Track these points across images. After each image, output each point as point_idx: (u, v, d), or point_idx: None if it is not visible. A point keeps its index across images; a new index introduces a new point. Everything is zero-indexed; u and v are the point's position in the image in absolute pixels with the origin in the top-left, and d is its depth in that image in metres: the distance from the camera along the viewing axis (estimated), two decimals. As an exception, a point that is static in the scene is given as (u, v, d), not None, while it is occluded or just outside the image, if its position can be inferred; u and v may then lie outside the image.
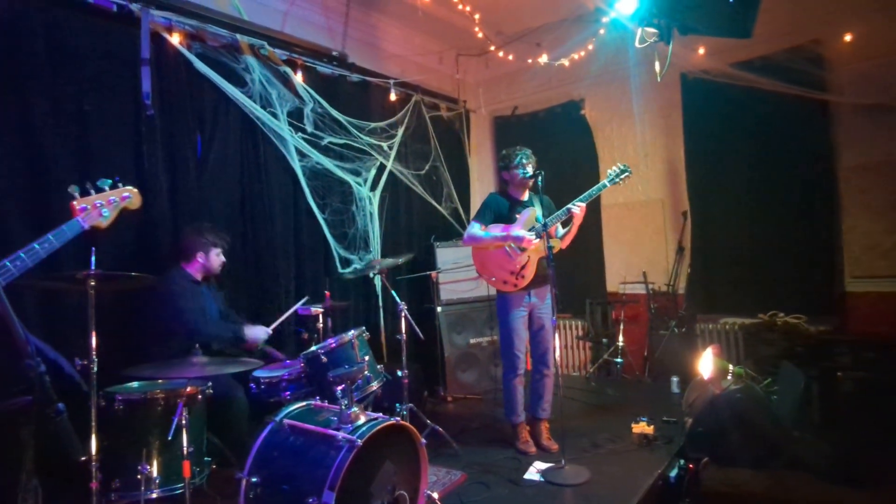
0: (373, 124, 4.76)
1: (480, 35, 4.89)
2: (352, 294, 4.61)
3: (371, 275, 4.60)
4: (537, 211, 3.43)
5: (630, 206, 5.45)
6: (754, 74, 4.38)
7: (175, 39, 3.41)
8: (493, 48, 5.30)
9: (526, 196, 3.58)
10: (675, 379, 4.58)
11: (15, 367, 0.93)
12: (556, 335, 3.34)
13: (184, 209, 3.44)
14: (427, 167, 5.39)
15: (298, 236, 4.23)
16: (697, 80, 4.83)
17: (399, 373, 3.36)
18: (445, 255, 4.99)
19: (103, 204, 1.62)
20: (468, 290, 4.98)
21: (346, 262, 4.50)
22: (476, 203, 6.13)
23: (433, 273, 4.62)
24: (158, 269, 3.04)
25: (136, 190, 1.81)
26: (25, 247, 1.23)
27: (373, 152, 4.74)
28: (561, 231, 3.49)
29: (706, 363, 3.72)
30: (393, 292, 3.48)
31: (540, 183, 3.29)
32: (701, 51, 4.50)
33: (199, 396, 2.53)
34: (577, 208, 3.34)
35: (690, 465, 3.12)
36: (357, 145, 4.59)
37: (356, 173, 4.61)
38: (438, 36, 5.47)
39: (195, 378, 2.43)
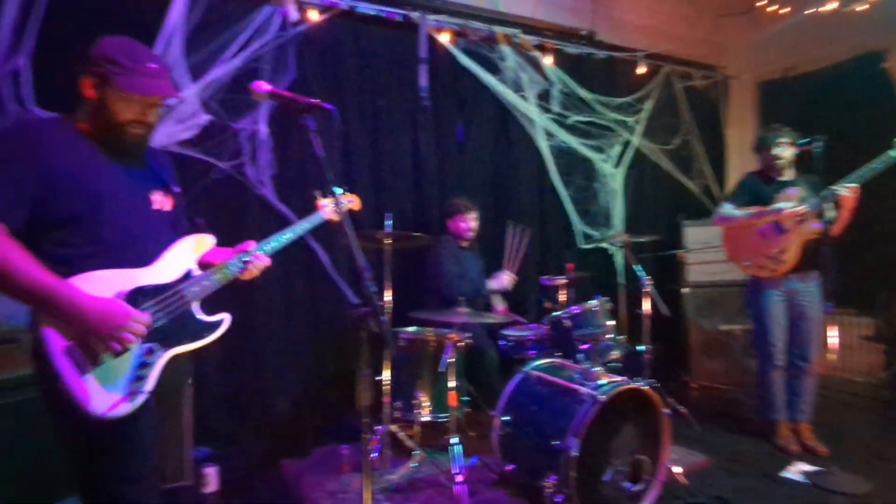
0: (619, 100, 4.70)
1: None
2: (591, 269, 4.66)
3: (610, 251, 4.61)
4: (803, 191, 3.00)
5: (953, 177, 4.29)
6: None
7: (444, 38, 3.91)
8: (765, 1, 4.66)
9: (789, 175, 3.17)
10: None
11: (359, 287, 1.32)
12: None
13: (448, 186, 4.00)
14: (677, 141, 5.10)
15: (542, 211, 4.49)
16: None
17: (642, 348, 3.34)
18: (695, 234, 4.68)
19: (335, 205, 2.04)
20: (720, 273, 4.58)
21: (586, 238, 4.59)
22: (733, 179, 5.56)
23: (681, 253, 4.39)
24: (429, 232, 3.58)
25: (357, 198, 2.30)
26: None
27: (617, 129, 4.70)
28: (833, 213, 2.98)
29: None
30: (636, 267, 3.45)
31: (818, 151, 2.84)
32: None
33: (460, 344, 2.95)
34: (846, 190, 2.77)
35: None
36: (602, 122, 4.60)
37: (599, 150, 4.64)
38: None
39: (458, 327, 2.85)
